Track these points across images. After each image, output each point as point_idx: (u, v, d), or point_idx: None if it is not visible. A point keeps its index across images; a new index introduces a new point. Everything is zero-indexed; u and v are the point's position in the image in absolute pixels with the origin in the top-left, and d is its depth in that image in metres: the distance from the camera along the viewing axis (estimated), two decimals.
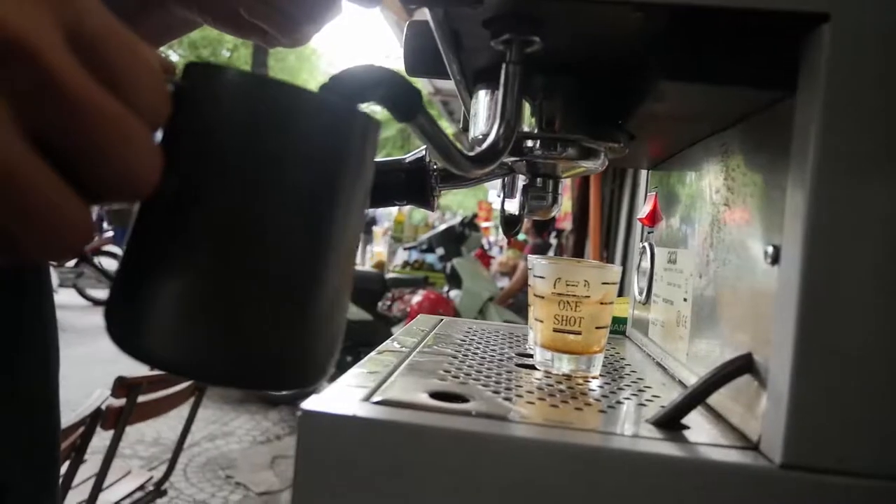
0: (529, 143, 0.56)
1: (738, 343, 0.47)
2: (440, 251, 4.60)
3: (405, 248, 5.52)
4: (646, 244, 0.76)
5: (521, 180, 0.61)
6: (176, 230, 0.24)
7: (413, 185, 0.61)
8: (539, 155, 0.56)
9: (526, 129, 0.55)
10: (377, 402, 0.41)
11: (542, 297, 0.57)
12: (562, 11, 0.42)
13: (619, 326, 0.86)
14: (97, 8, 0.22)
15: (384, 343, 0.61)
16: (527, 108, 0.55)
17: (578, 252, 4.22)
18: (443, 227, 4.93)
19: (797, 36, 0.39)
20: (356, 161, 0.28)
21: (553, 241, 5.00)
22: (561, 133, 0.54)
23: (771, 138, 0.45)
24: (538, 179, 0.59)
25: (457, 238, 4.58)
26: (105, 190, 0.22)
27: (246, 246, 0.24)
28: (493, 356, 0.61)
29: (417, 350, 0.60)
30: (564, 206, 4.94)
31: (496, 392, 0.47)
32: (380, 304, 4.32)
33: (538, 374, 0.56)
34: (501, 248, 7.74)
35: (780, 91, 0.42)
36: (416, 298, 4.33)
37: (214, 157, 0.25)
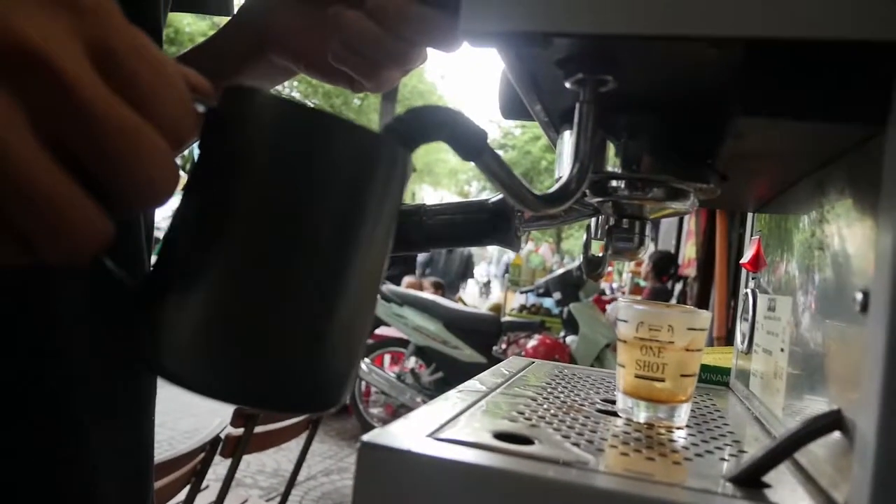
0: (615, 183, 0.55)
1: (834, 397, 0.44)
2: (557, 295, 4.55)
3: (522, 292, 5.49)
4: (748, 290, 0.73)
5: (609, 221, 0.60)
6: (199, 250, 0.26)
7: (498, 226, 0.61)
8: (624, 195, 0.55)
9: (611, 168, 0.54)
10: (438, 439, 0.41)
11: (625, 342, 0.55)
12: (633, 49, 0.42)
13: (722, 377, 0.82)
14: (122, 25, 0.24)
15: (466, 382, 0.61)
16: (611, 148, 0.54)
17: (703, 300, 4.03)
18: (560, 271, 4.88)
19: (888, 67, 0.36)
20: (382, 191, 0.28)
21: (675, 286, 4.82)
22: (646, 173, 0.53)
23: (863, 177, 0.42)
24: (624, 221, 0.58)
25: (574, 282, 4.52)
26: (121, 200, 0.24)
27: (267, 272, 0.26)
28: (575, 401, 0.60)
29: (498, 390, 0.60)
30: (688, 252, 4.75)
31: (566, 437, 0.46)
32: (495, 347, 4.31)
33: (619, 422, 0.54)
34: (623, 293, 7.54)
35: (871, 127, 0.39)
36: (532, 343, 4.29)
37: (240, 181, 0.26)
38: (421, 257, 7.52)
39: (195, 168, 0.27)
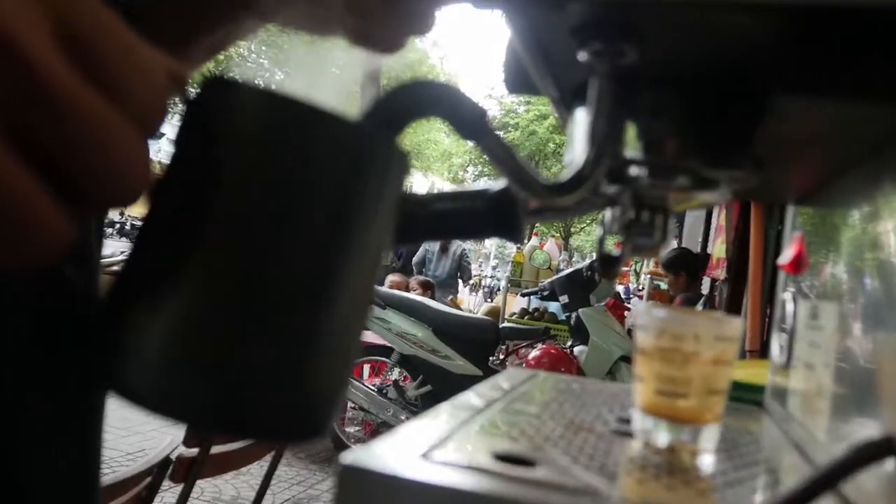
0: (635, 170, 0.56)
1: (887, 421, 0.45)
2: (564, 299, 4.55)
3: (524, 294, 5.50)
4: (787, 295, 0.73)
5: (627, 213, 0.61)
6: (169, 255, 0.26)
7: (500, 216, 0.61)
8: (646, 184, 0.56)
9: (630, 153, 0.55)
10: (429, 461, 0.42)
11: (644, 352, 0.56)
12: (658, 15, 0.42)
13: (755, 396, 0.83)
14: (93, 4, 0.24)
15: (461, 395, 0.62)
16: (631, 130, 0.55)
17: (734, 306, 4.04)
18: (568, 270, 4.89)
19: None
20: (374, 191, 0.29)
21: (699, 290, 4.84)
22: (671, 159, 0.54)
23: None
24: (644, 213, 0.58)
25: (585, 284, 4.52)
26: (88, 194, 0.24)
27: (241, 279, 0.26)
28: (586, 419, 0.60)
29: (496, 406, 0.60)
30: (717, 251, 4.77)
31: (575, 460, 0.47)
32: (491, 357, 4.32)
33: (636, 444, 0.55)
34: (641, 297, 7.58)
35: None
36: (534, 353, 4.30)
37: (216, 177, 0.26)
38: (415, 257, 7.62)
39: (167, 167, 0.27)
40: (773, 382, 0.77)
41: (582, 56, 0.46)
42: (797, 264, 0.72)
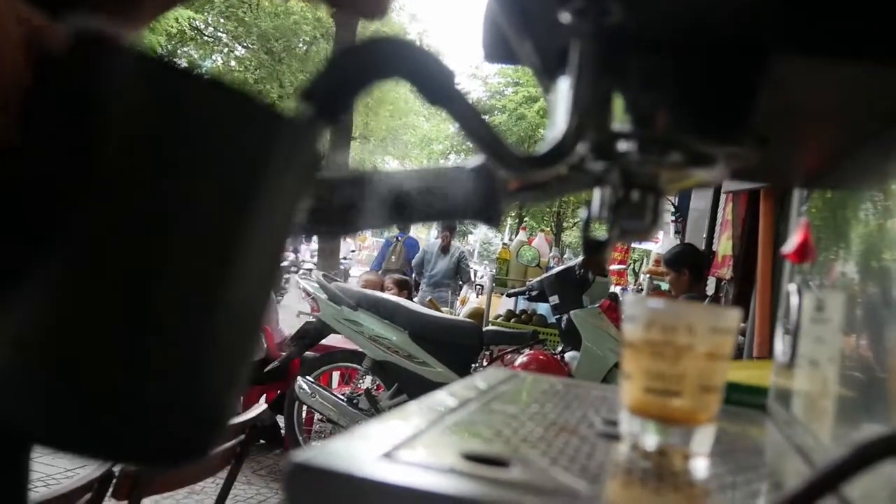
0: (623, 144, 0.56)
1: (889, 418, 0.45)
2: (554, 300, 4.55)
3: (510, 295, 5.50)
4: (791, 287, 0.74)
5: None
6: (23, 241, 0.25)
7: (475, 196, 0.62)
8: (635, 160, 0.56)
9: (618, 126, 0.55)
10: (391, 460, 0.42)
11: (633, 346, 0.56)
12: None
13: (758, 399, 0.84)
14: None
15: (433, 393, 0.62)
16: (619, 101, 0.55)
17: (741, 309, 4.06)
18: (559, 268, 4.90)
19: None
20: (276, 180, 0.28)
21: (704, 288, 4.87)
22: (662, 132, 0.54)
23: None
24: (634, 193, 0.59)
25: (577, 284, 4.53)
26: None
27: (113, 276, 0.25)
28: (569, 420, 0.61)
29: (474, 405, 0.60)
30: (723, 248, 4.80)
31: (554, 461, 0.47)
32: (474, 364, 4.32)
33: (623, 447, 0.55)
34: None
35: None
36: (521, 359, 4.30)
37: (88, 154, 0.25)
38: (415, 259, 7.71)
39: (25, 129, 0.27)
40: (776, 384, 0.78)
41: (564, 16, 0.46)
42: (802, 252, 0.73)
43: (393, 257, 8.05)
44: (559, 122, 0.57)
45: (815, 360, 0.63)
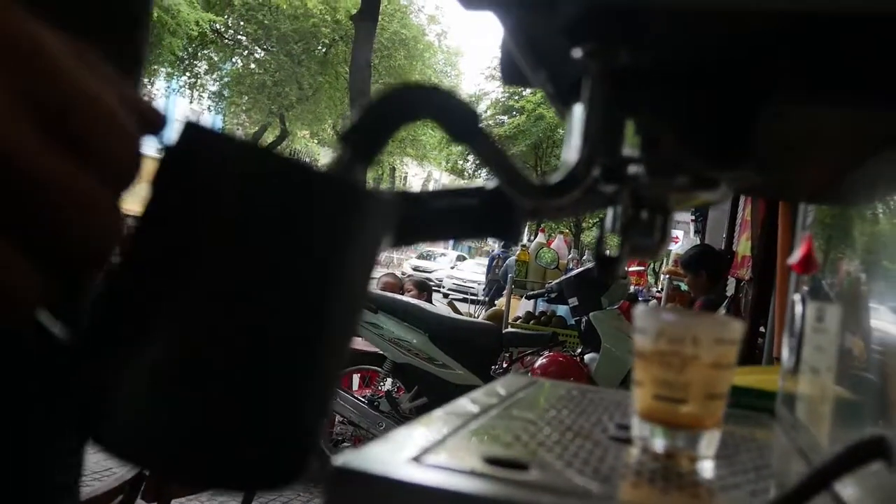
0: (632, 168, 0.60)
1: (885, 425, 0.49)
2: (573, 301, 4.57)
3: (529, 297, 5.53)
4: (797, 297, 0.78)
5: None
6: (148, 309, 0.30)
7: (495, 214, 0.66)
8: (644, 183, 0.60)
9: (628, 152, 0.59)
10: (420, 464, 0.46)
11: (643, 356, 0.60)
12: (654, 15, 0.47)
13: (767, 403, 0.87)
14: (61, 69, 0.28)
15: (455, 401, 0.67)
16: (629, 127, 0.59)
17: (760, 309, 4.07)
18: (578, 270, 4.92)
19: None
20: (345, 245, 0.32)
21: (724, 290, 4.88)
22: (669, 157, 0.58)
23: None
24: (643, 213, 0.63)
25: (595, 285, 4.56)
26: (63, 260, 0.28)
27: (216, 334, 0.29)
28: (583, 426, 0.65)
29: (492, 412, 0.65)
30: (742, 248, 4.81)
31: (569, 464, 0.51)
32: (494, 366, 4.34)
33: (634, 451, 0.59)
34: (659, 300, 7.62)
35: None
36: (541, 361, 4.33)
37: (196, 234, 0.30)
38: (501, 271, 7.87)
39: (145, 211, 0.31)
40: (784, 388, 0.82)
41: (576, 54, 0.51)
42: (806, 264, 0.76)
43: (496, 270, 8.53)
44: (573, 147, 0.61)
45: (815, 367, 0.67)
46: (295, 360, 0.31)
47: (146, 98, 0.32)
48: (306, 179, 0.31)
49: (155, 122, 0.32)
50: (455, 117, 0.44)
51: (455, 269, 24.12)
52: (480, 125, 0.45)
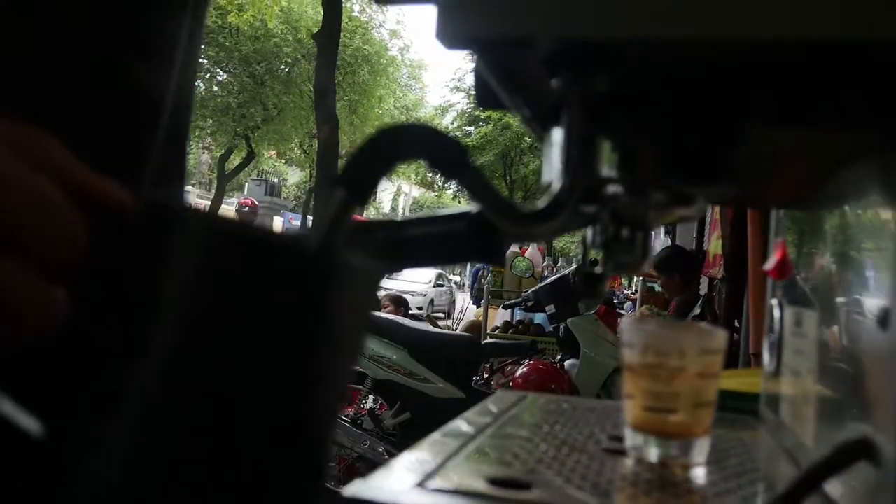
0: (612, 188, 0.62)
1: (866, 425, 0.51)
2: (550, 309, 4.58)
3: (506, 306, 5.54)
4: (775, 302, 0.80)
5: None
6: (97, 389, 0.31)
7: (480, 239, 0.67)
8: (623, 203, 0.62)
9: (606, 172, 0.61)
10: (427, 489, 0.48)
11: (632, 370, 0.62)
12: (630, 48, 0.49)
13: (750, 405, 0.89)
14: None
15: (450, 423, 0.68)
16: (606, 148, 0.61)
17: (734, 309, 4.10)
18: (554, 277, 4.94)
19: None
20: (329, 317, 0.32)
21: (697, 290, 4.92)
22: (647, 177, 0.60)
23: (888, 179, 0.50)
24: (623, 230, 0.65)
25: (572, 292, 4.58)
26: None
27: (195, 423, 0.30)
28: (577, 440, 0.67)
29: (487, 431, 0.66)
30: (713, 247, 4.86)
31: (568, 480, 0.53)
32: (475, 377, 4.35)
33: (628, 462, 0.61)
34: (634, 302, 7.67)
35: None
36: (521, 370, 4.34)
37: (160, 311, 0.30)
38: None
39: (102, 287, 0.31)
40: (766, 390, 0.84)
41: (554, 84, 0.52)
42: (781, 270, 0.79)
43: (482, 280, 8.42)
44: (554, 172, 0.63)
45: (796, 370, 0.69)
46: (292, 439, 0.32)
47: (104, 180, 0.32)
48: (293, 266, 0.31)
49: (113, 202, 0.32)
50: (445, 155, 0.46)
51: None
52: (468, 158, 0.47)
